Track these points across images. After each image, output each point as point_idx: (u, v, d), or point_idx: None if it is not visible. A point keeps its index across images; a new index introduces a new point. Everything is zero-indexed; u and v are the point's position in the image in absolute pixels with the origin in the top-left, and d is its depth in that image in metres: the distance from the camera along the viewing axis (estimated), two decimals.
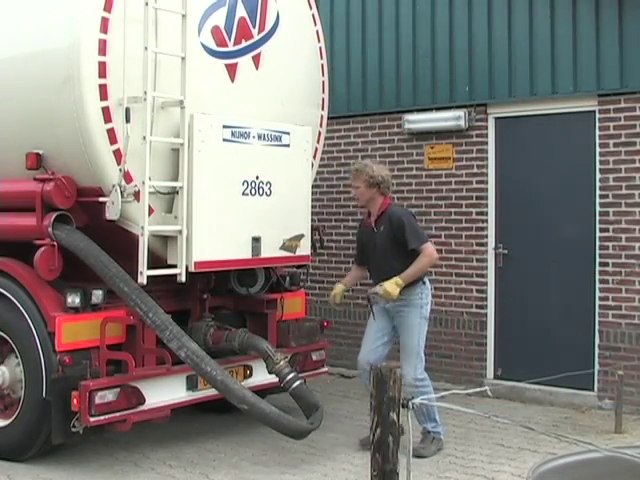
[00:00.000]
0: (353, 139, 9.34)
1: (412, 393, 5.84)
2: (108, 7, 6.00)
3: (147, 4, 5.97)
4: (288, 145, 6.90)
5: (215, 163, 6.39)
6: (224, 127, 6.44)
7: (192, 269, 6.24)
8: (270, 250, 6.77)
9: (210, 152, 6.34)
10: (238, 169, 6.56)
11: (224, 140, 6.44)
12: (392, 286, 6.34)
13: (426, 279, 6.67)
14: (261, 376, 6.83)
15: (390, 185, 6.70)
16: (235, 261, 6.64)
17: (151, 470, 6.11)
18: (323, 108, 7.61)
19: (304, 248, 7.10)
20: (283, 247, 6.90)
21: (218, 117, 6.43)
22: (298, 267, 7.57)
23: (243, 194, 6.60)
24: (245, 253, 6.62)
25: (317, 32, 7.52)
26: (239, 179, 6.57)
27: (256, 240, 6.65)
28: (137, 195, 6.03)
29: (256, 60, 6.90)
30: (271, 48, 6.98)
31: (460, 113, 8.48)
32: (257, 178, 6.69)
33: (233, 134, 6.50)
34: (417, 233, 6.54)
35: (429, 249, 6.51)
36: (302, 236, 7.07)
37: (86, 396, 5.77)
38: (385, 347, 6.71)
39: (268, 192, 6.76)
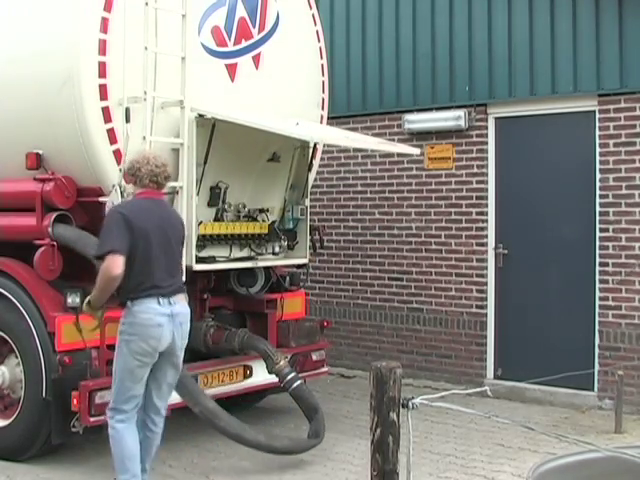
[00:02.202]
0: None
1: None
2: (108, 7, 6.01)
3: (147, 4, 5.98)
4: None
5: None
6: None
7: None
8: None
9: None
10: None
11: None
12: (85, 305, 5.34)
13: (132, 303, 5.11)
14: (261, 376, 6.83)
15: (144, 176, 5.22)
16: None
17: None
18: (323, 108, 7.61)
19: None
20: None
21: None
22: (298, 267, 7.57)
23: None
24: None
25: (317, 32, 7.51)
26: None
27: None
28: None
29: (256, 60, 6.90)
30: (271, 48, 6.99)
31: (460, 113, 8.48)
32: None
33: None
34: (103, 238, 5.11)
35: (105, 262, 5.01)
36: None
37: (86, 396, 5.77)
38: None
39: None
